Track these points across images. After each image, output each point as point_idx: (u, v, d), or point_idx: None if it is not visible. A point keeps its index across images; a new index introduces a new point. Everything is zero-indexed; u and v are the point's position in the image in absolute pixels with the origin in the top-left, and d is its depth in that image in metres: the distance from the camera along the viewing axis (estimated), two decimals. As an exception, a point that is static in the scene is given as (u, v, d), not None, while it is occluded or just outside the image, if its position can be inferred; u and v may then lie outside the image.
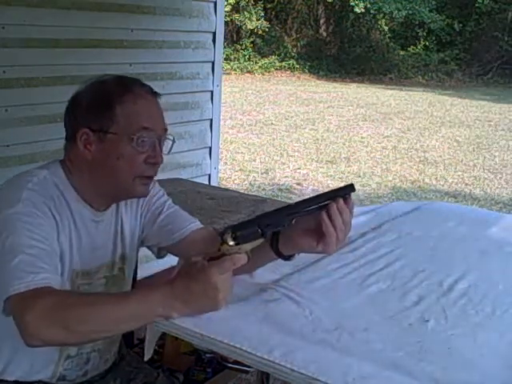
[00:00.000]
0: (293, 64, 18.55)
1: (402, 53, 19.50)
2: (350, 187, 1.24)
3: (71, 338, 1.10)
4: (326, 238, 1.21)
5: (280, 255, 1.29)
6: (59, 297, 1.11)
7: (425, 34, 19.35)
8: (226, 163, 6.93)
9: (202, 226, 1.50)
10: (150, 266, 2.22)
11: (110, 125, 1.28)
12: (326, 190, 1.25)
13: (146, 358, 1.32)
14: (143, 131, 1.28)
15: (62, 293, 1.14)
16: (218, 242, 1.15)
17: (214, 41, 3.89)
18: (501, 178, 7.00)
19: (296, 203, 1.23)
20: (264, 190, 6.10)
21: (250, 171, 6.80)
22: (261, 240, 1.17)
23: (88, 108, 1.30)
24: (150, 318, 1.13)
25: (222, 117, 4.27)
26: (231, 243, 1.13)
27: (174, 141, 1.37)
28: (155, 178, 1.42)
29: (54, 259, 1.21)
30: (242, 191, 4.94)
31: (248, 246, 1.15)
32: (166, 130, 1.35)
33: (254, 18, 18.40)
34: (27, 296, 1.09)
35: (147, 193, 1.39)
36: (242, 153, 7.69)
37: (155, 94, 1.35)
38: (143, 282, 1.88)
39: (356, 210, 2.26)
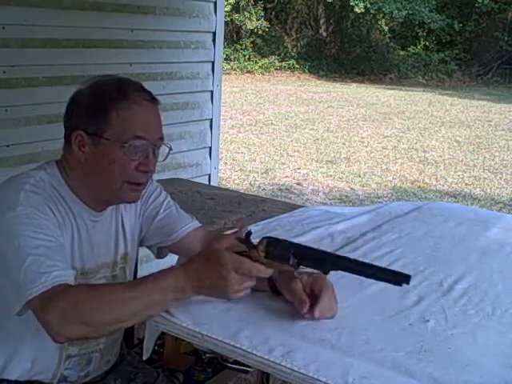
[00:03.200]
0: (293, 64, 18.54)
1: (401, 53, 19.49)
2: (405, 279, 1.13)
3: (92, 330, 1.15)
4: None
5: (277, 293, 1.33)
6: (73, 294, 1.13)
7: (425, 34, 19.34)
8: (226, 163, 6.93)
9: (199, 225, 1.50)
10: (150, 265, 2.22)
11: (104, 130, 1.27)
12: (382, 266, 1.19)
13: (144, 358, 1.32)
14: (136, 140, 1.28)
15: (76, 289, 1.16)
16: (250, 245, 1.17)
17: (214, 41, 3.90)
18: (501, 178, 7.00)
19: (343, 257, 1.21)
20: (264, 190, 6.10)
21: (249, 171, 6.80)
22: (289, 268, 1.17)
23: (85, 110, 1.29)
24: (164, 304, 1.16)
25: (222, 117, 4.27)
26: (261, 252, 1.15)
27: (170, 149, 1.36)
28: (154, 178, 1.41)
29: (62, 253, 1.23)
30: (241, 191, 4.94)
31: (274, 265, 1.16)
32: (161, 138, 1.34)
33: (254, 18, 18.39)
34: (44, 298, 1.11)
35: (137, 199, 1.38)
36: (241, 153, 7.69)
37: (155, 101, 1.33)
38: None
39: (356, 209, 2.27)
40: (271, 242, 1.16)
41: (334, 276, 1.48)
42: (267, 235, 1.20)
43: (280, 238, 1.19)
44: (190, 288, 1.14)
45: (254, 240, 1.19)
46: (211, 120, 4.02)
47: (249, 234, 1.19)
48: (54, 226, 1.24)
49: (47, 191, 1.28)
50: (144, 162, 1.30)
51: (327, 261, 1.17)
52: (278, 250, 1.16)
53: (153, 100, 1.33)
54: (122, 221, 1.44)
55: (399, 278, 1.14)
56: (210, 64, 3.93)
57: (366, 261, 1.23)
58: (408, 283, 1.13)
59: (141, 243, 1.51)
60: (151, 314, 1.18)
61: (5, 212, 1.19)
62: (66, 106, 1.33)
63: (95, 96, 1.30)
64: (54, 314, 1.10)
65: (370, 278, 1.16)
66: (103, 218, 1.39)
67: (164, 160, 1.37)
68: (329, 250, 1.71)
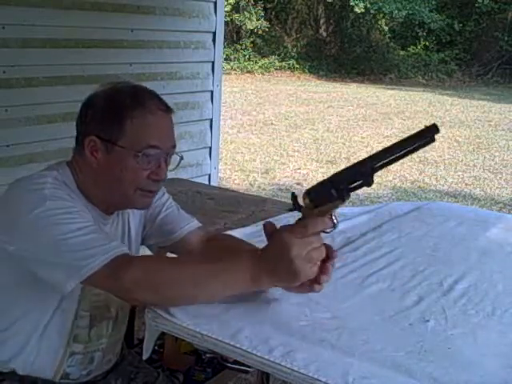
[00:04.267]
0: (293, 64, 18.54)
1: (401, 53, 19.49)
2: (434, 128, 1.06)
3: (161, 300, 1.17)
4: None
5: None
6: (146, 263, 1.17)
7: (425, 34, 19.33)
8: (226, 163, 6.93)
9: (199, 225, 1.51)
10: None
11: (118, 137, 1.27)
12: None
13: (144, 358, 1.32)
14: (150, 149, 1.28)
15: (148, 258, 1.20)
16: (298, 205, 1.13)
17: (214, 41, 3.90)
18: (501, 178, 6.99)
19: (373, 155, 1.10)
20: (264, 189, 6.10)
21: (250, 171, 6.80)
22: (339, 202, 1.09)
23: (99, 116, 1.29)
24: (239, 286, 1.15)
25: (222, 117, 4.27)
26: (307, 202, 1.10)
27: (181, 158, 1.37)
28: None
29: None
30: (242, 191, 4.94)
31: (326, 209, 1.10)
32: (174, 146, 1.34)
33: (254, 18, 18.39)
34: (112, 266, 1.14)
35: (148, 205, 1.39)
36: (241, 153, 7.69)
37: (169, 110, 1.34)
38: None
39: (356, 209, 2.27)
40: (311, 190, 1.11)
41: (334, 276, 1.48)
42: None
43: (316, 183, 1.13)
44: (263, 270, 1.11)
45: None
46: (211, 120, 4.03)
47: (293, 196, 1.14)
48: (85, 215, 1.25)
49: (65, 190, 1.28)
50: (156, 170, 1.31)
51: (363, 170, 1.09)
52: (319, 192, 1.10)
53: (167, 109, 1.33)
54: (129, 222, 1.46)
55: (428, 133, 1.06)
56: (210, 64, 3.93)
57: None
58: (438, 131, 1.06)
59: (142, 241, 1.52)
60: (224, 294, 1.17)
61: (33, 209, 1.18)
62: (80, 109, 1.33)
63: (110, 102, 1.29)
64: (127, 280, 1.13)
65: (409, 153, 1.07)
66: (111, 221, 1.41)
67: (175, 169, 1.37)
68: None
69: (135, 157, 1.27)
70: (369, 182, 1.08)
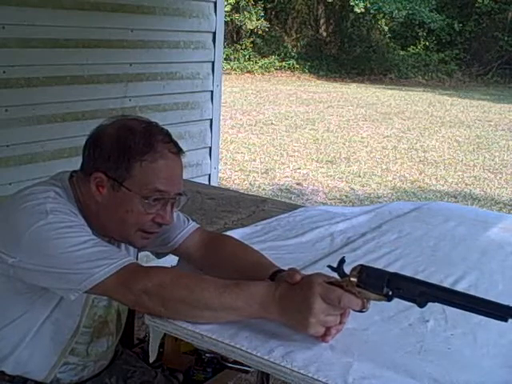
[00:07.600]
0: (293, 64, 18.54)
1: (401, 53, 19.49)
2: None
3: (168, 314, 1.16)
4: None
5: None
6: (158, 275, 1.15)
7: (425, 34, 19.34)
8: (225, 163, 6.93)
9: (196, 227, 1.49)
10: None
11: (125, 178, 1.25)
12: (486, 298, 1.06)
13: (151, 360, 1.33)
14: (157, 193, 1.26)
15: (161, 271, 1.18)
16: (342, 273, 1.13)
17: (214, 41, 3.90)
18: (501, 178, 7.00)
19: (444, 289, 1.12)
20: (264, 190, 6.10)
21: (250, 171, 6.80)
22: (383, 299, 1.10)
23: (108, 155, 1.26)
24: (246, 313, 1.14)
25: (222, 117, 4.27)
26: (353, 279, 1.10)
27: (189, 198, 1.36)
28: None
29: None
30: (241, 191, 4.94)
31: (367, 296, 1.10)
32: (180, 194, 1.32)
33: (254, 18, 18.39)
34: (121, 275, 1.14)
35: (146, 245, 1.38)
36: (241, 153, 7.69)
37: (180, 153, 1.31)
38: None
39: (356, 209, 2.27)
40: (365, 269, 1.11)
41: (335, 276, 1.48)
42: (362, 263, 1.14)
43: (375, 266, 1.14)
44: (275, 307, 1.12)
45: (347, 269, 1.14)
46: (211, 120, 4.02)
47: (342, 261, 1.14)
48: (87, 229, 1.24)
49: (67, 205, 1.26)
50: (162, 214, 1.29)
51: (426, 293, 1.08)
52: (372, 278, 1.10)
53: (178, 152, 1.31)
54: None
55: (506, 312, 1.03)
56: (210, 64, 3.93)
57: (471, 293, 1.13)
58: None
59: (139, 249, 1.51)
60: (231, 319, 1.15)
61: (34, 223, 1.17)
62: (88, 142, 1.30)
63: (121, 143, 1.26)
64: (137, 289, 1.13)
65: (474, 312, 1.07)
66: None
67: (178, 209, 1.36)
68: (329, 250, 1.72)
69: (142, 201, 1.26)
70: (421, 306, 1.09)
